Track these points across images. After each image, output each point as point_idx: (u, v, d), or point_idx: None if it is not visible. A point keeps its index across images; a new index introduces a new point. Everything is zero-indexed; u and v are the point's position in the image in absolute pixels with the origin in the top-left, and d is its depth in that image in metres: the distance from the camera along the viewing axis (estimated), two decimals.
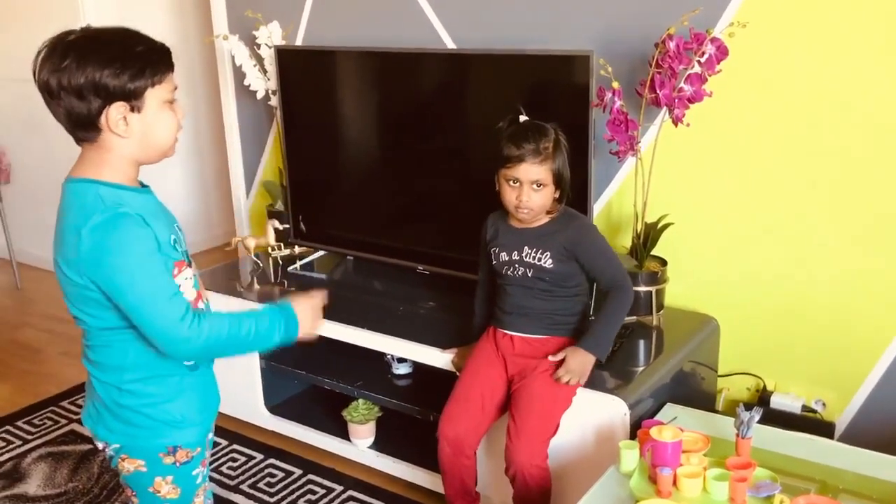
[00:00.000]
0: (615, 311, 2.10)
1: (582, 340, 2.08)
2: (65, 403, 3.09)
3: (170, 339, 1.43)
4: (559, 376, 2.03)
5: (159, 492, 1.58)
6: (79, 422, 2.95)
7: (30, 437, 2.88)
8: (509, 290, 2.16)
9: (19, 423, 2.97)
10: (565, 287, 2.12)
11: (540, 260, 2.09)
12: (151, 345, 1.46)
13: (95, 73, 1.36)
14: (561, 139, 2.06)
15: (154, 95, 1.43)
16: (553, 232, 2.10)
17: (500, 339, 2.18)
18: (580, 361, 2.04)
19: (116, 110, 1.40)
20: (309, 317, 1.58)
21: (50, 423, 2.97)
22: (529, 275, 2.11)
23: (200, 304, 1.55)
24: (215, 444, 2.77)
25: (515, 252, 2.12)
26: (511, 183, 2.05)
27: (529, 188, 2.03)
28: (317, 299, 1.61)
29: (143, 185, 1.52)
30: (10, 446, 2.83)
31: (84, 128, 1.41)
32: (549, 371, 2.06)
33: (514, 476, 2.03)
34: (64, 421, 2.97)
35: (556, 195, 2.08)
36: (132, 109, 1.41)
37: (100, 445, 1.60)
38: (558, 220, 2.12)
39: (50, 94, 1.39)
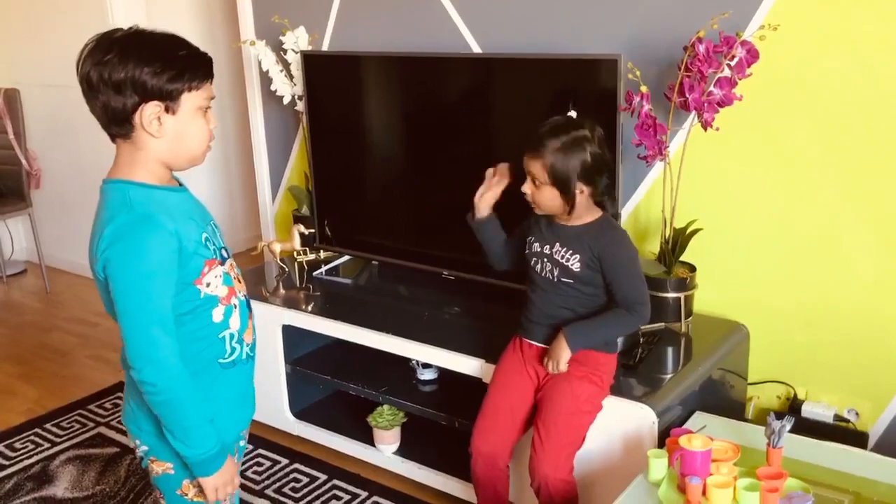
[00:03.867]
0: (614, 322, 2.02)
1: (568, 326, 2.02)
2: (92, 407, 3.12)
3: (140, 353, 1.42)
4: (546, 364, 2.01)
5: (187, 495, 1.59)
6: (106, 425, 2.97)
7: (58, 440, 2.90)
8: (534, 297, 2.11)
9: (48, 426, 2.99)
10: (590, 296, 2.04)
11: (568, 261, 2.02)
12: (186, 343, 1.48)
13: (136, 69, 1.39)
14: (585, 142, 1.95)
15: (190, 100, 1.45)
16: (588, 235, 2.01)
17: (526, 350, 2.14)
18: (557, 346, 2.00)
19: (151, 109, 1.42)
20: (228, 475, 1.55)
21: (78, 426, 2.99)
22: (555, 274, 2.04)
23: (234, 300, 1.55)
24: None
25: (548, 246, 2.06)
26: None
27: (529, 181, 2.00)
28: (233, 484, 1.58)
29: (180, 184, 1.55)
30: (39, 449, 2.85)
31: (118, 123, 1.43)
32: (572, 381, 2.02)
33: (539, 488, 2.02)
34: (91, 424, 2.99)
35: (565, 204, 1.98)
36: (167, 110, 1.43)
37: (131, 445, 1.62)
38: (597, 224, 2.03)
39: (90, 86, 1.42)
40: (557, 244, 2.04)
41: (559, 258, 2.03)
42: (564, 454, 2.02)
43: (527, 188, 2.01)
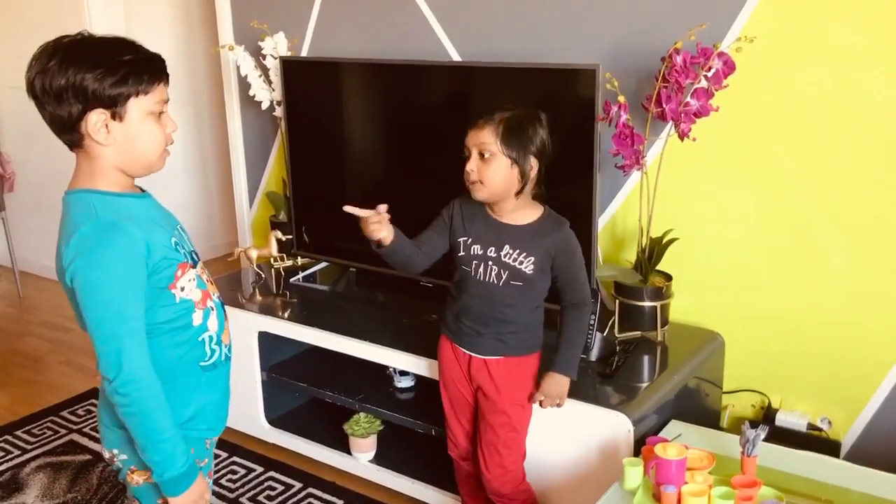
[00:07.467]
0: (581, 331, 2.00)
1: (555, 364, 1.97)
2: (65, 413, 3.08)
3: (112, 364, 1.38)
4: (541, 402, 1.98)
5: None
6: (79, 432, 2.94)
7: (29, 447, 2.86)
8: (471, 303, 1.98)
9: (18, 433, 2.95)
10: (533, 296, 1.97)
11: (522, 263, 1.91)
12: (167, 348, 1.47)
13: (77, 75, 1.35)
14: (531, 122, 1.88)
15: (138, 105, 1.40)
16: (540, 234, 1.92)
17: (460, 356, 2.07)
18: (557, 385, 1.97)
19: (97, 116, 1.38)
20: (197, 493, 1.50)
21: (50, 432, 2.95)
22: (503, 277, 1.92)
23: (209, 303, 1.54)
24: (215, 457, 2.75)
25: (493, 248, 1.92)
26: (466, 155, 1.90)
27: (476, 156, 1.87)
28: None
29: (143, 191, 1.52)
30: (9, 456, 2.81)
31: (67, 132, 1.40)
32: (505, 404, 2.00)
33: (492, 500, 2.09)
34: (63, 431, 2.96)
35: (519, 181, 1.88)
36: (113, 117, 1.39)
37: (107, 455, 1.58)
38: (545, 221, 1.94)
39: (35, 95, 1.38)
40: (507, 246, 1.92)
41: (509, 261, 1.92)
42: (513, 469, 2.05)
43: (472, 165, 1.88)
